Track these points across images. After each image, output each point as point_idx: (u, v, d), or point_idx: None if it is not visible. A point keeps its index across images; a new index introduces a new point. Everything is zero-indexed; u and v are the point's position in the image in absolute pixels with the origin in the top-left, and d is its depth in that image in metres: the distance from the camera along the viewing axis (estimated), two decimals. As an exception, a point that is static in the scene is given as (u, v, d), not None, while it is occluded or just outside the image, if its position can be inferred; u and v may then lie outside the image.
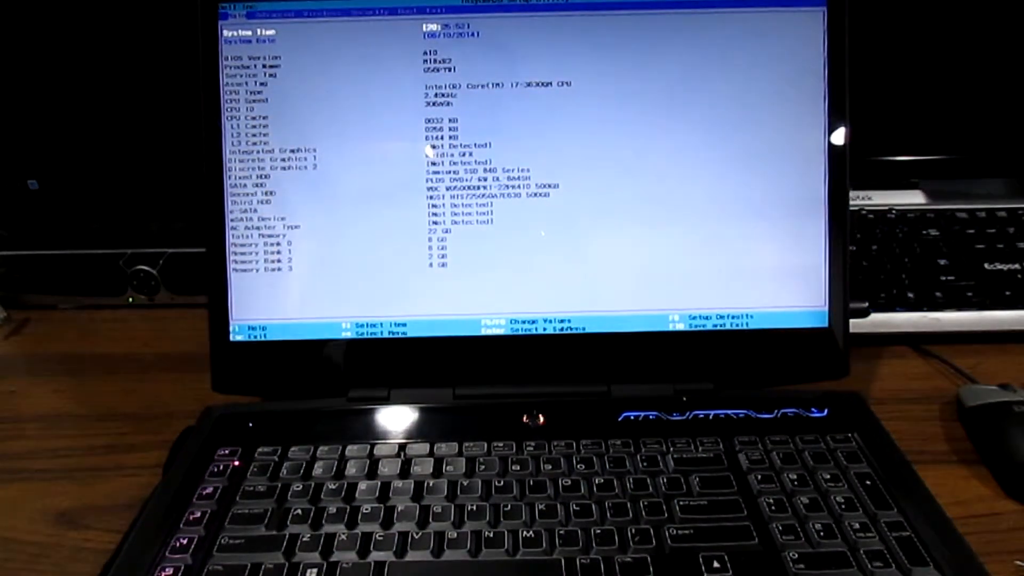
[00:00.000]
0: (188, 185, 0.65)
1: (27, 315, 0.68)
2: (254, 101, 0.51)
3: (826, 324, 0.51)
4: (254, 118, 0.51)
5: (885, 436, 0.47)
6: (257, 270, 0.51)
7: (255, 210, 0.51)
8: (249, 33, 0.51)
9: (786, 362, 0.51)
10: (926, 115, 0.66)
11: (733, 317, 0.51)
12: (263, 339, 0.51)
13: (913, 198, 0.66)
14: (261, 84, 0.51)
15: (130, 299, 0.67)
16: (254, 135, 0.51)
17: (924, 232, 0.63)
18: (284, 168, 0.51)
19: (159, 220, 0.67)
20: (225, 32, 0.51)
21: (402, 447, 0.47)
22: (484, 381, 0.51)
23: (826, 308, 0.51)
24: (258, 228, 0.51)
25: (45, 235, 0.68)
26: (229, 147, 0.51)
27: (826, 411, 0.48)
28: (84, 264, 0.67)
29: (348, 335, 0.51)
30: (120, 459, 0.51)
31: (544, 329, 0.51)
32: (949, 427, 0.52)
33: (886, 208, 0.65)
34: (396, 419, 0.49)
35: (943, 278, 0.61)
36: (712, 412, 0.49)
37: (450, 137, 0.51)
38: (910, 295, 0.60)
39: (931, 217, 0.64)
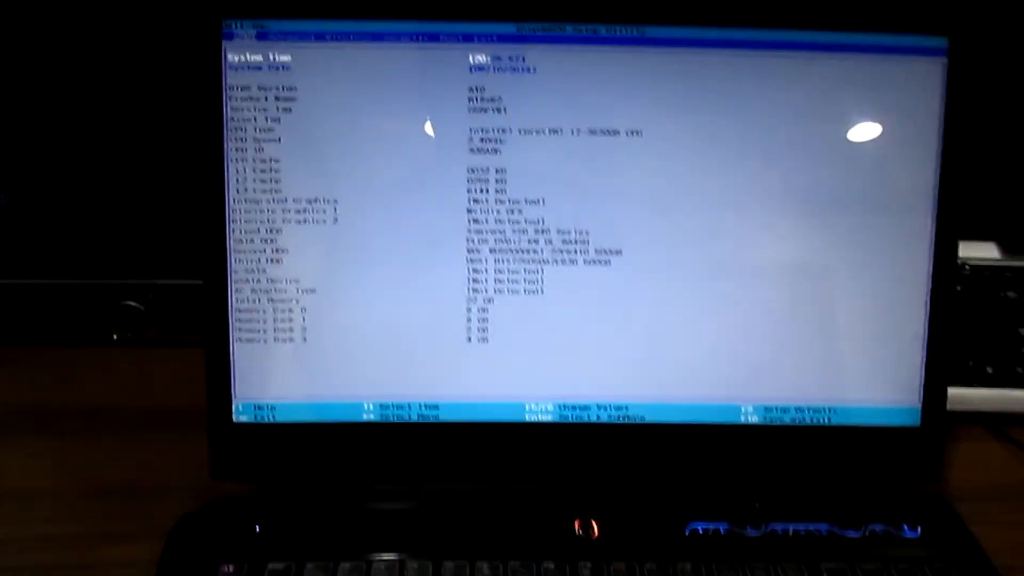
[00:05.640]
0: (182, 207, 0.57)
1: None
2: (264, 140, 0.43)
3: (918, 423, 0.45)
4: (264, 161, 0.43)
5: (987, 564, 0.41)
6: (265, 340, 0.44)
7: (263, 270, 0.43)
8: (259, 58, 0.42)
9: (871, 463, 0.45)
10: (1004, 153, 0.60)
11: (814, 411, 0.44)
12: (271, 421, 0.44)
13: (986, 251, 0.60)
14: (273, 120, 0.43)
15: (115, 336, 0.59)
16: (263, 181, 0.43)
17: (1002, 293, 0.57)
18: (299, 222, 0.43)
19: (148, 246, 0.59)
20: (230, 56, 0.42)
21: (436, 566, 0.40)
22: (528, 476, 0.45)
23: (919, 405, 0.45)
24: (267, 291, 0.43)
25: (14, 260, 0.59)
26: (233, 195, 0.43)
27: (919, 530, 0.43)
28: (61, 295, 0.59)
29: (371, 418, 0.44)
30: (107, 553, 0.44)
31: (598, 417, 0.44)
32: (1041, 533, 0.46)
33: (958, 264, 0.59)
34: (427, 525, 0.43)
35: (1025, 349, 0.55)
36: (791, 527, 0.43)
37: (496, 191, 0.43)
38: (988, 369, 0.54)
39: (1009, 276, 0.58)
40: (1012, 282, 0.58)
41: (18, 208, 0.57)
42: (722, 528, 0.42)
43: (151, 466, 0.50)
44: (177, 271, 0.59)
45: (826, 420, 0.45)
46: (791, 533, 0.42)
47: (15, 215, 0.57)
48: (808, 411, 0.45)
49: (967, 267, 0.58)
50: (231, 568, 0.40)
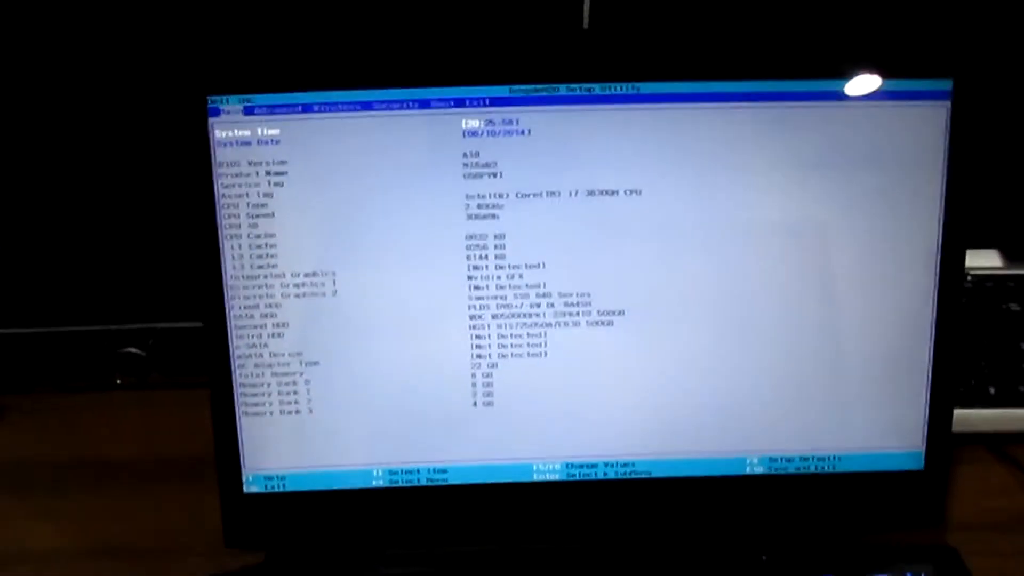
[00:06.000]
0: (176, 249, 0.56)
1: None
2: (258, 216, 0.42)
3: (921, 466, 0.45)
4: (258, 236, 0.42)
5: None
6: (271, 413, 0.44)
7: (265, 344, 0.43)
8: (248, 133, 0.42)
9: (875, 509, 0.45)
10: (1007, 153, 0.59)
11: (818, 460, 0.45)
12: (282, 490, 0.44)
13: (987, 260, 0.59)
14: (265, 195, 0.42)
15: (118, 381, 0.59)
16: (260, 256, 0.42)
17: (1004, 306, 0.57)
18: (297, 296, 0.43)
19: (145, 290, 0.58)
20: (217, 132, 0.41)
21: (452, 635, 0.41)
22: (537, 535, 0.45)
23: (922, 448, 0.45)
24: (270, 366, 0.43)
25: (11, 309, 0.59)
26: (230, 271, 0.42)
27: (923, 576, 0.44)
28: (61, 343, 0.58)
29: (380, 484, 0.45)
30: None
31: (605, 474, 0.45)
32: (1044, 564, 0.47)
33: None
34: (441, 589, 0.44)
35: (1028, 365, 0.55)
36: (797, 579, 0.43)
37: (496, 256, 0.43)
38: (991, 389, 0.54)
39: (1012, 287, 0.57)
40: (1015, 292, 0.57)
41: (11, 255, 0.57)
42: (730, 584, 0.43)
43: (164, 526, 0.50)
44: (176, 314, 0.58)
45: (831, 468, 0.45)
46: (797, 586, 0.43)
47: (10, 262, 0.57)
48: (813, 460, 0.45)
49: (969, 276, 0.58)
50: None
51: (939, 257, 0.43)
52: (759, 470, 0.45)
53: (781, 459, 0.45)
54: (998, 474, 0.53)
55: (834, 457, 0.45)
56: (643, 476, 0.45)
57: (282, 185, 0.42)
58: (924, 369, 0.44)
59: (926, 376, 0.44)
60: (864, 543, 0.46)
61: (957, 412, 0.51)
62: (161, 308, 0.58)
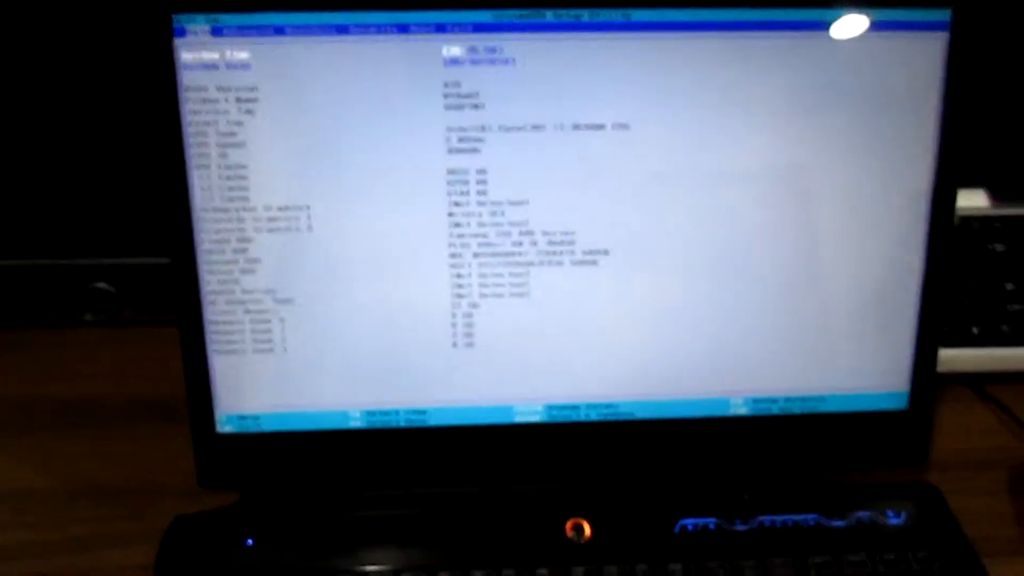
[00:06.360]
0: (146, 184, 0.54)
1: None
2: (227, 146, 0.40)
3: (906, 406, 0.45)
4: (228, 167, 0.40)
5: (968, 550, 0.42)
6: (244, 351, 0.42)
7: (236, 281, 0.42)
8: (216, 56, 0.39)
9: (859, 449, 0.45)
10: (995, 96, 0.57)
11: (803, 400, 0.44)
12: (257, 431, 0.43)
13: (974, 200, 0.58)
14: (235, 124, 0.40)
15: (87, 318, 0.57)
16: (230, 189, 0.40)
17: (989, 246, 0.56)
18: (270, 230, 0.41)
19: (115, 226, 0.56)
20: (183, 54, 0.39)
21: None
22: (518, 477, 0.45)
23: (908, 388, 0.44)
24: (242, 303, 0.42)
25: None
26: (199, 204, 0.41)
27: (903, 516, 0.43)
28: (30, 277, 0.56)
29: (358, 425, 0.43)
30: (98, 559, 0.44)
31: (587, 416, 0.44)
32: (1021, 502, 0.47)
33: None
34: (420, 531, 0.43)
35: (1011, 306, 0.54)
36: (780, 518, 0.43)
37: (478, 192, 0.41)
38: (974, 329, 0.54)
39: (998, 227, 0.57)
40: (1001, 233, 0.57)
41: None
42: (711, 524, 0.43)
43: (139, 464, 0.49)
44: (148, 249, 0.56)
45: (815, 408, 0.44)
46: (779, 526, 0.43)
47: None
48: (797, 400, 0.44)
49: (956, 216, 0.57)
50: (226, 587, 0.41)
51: (931, 197, 0.42)
52: (743, 411, 0.44)
53: (765, 400, 0.44)
54: (980, 413, 0.53)
55: (818, 398, 0.44)
56: (626, 418, 0.44)
57: (253, 113, 0.40)
58: (911, 310, 0.43)
59: (913, 317, 0.44)
60: (844, 483, 0.46)
61: (940, 352, 0.51)
62: (133, 243, 0.56)
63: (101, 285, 0.56)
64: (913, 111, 0.42)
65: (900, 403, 0.45)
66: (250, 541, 0.42)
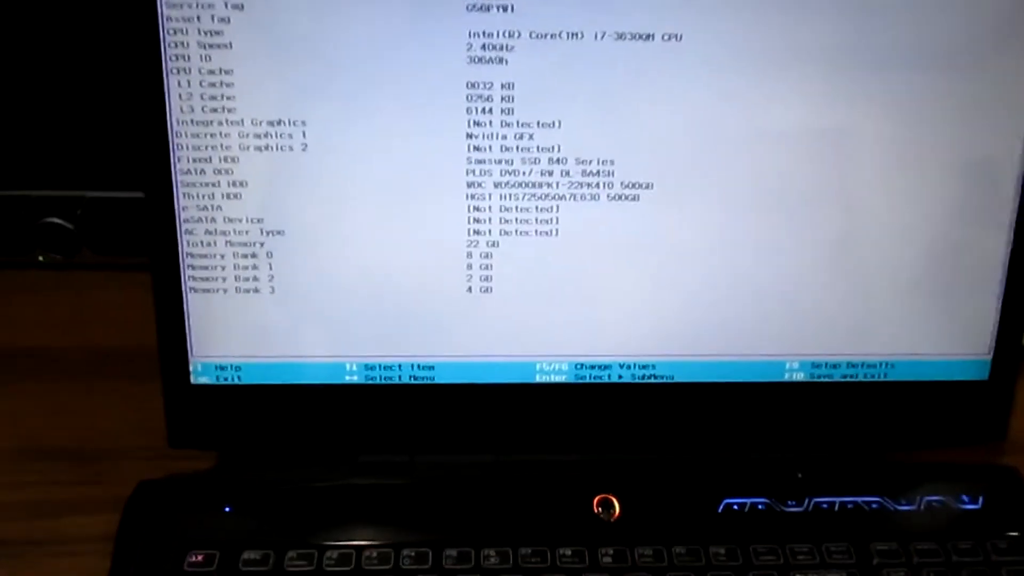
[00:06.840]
0: (112, 108, 0.48)
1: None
2: (211, 46, 0.34)
3: (986, 376, 0.39)
4: (212, 72, 0.34)
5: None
6: (225, 291, 0.37)
7: (219, 207, 0.36)
8: (198, -62, 0.33)
9: (929, 423, 0.40)
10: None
11: (868, 366, 0.39)
12: (236, 383, 0.38)
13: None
14: (221, 20, 0.34)
15: (40, 258, 0.51)
16: (213, 98, 0.35)
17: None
18: (259, 148, 0.35)
19: (74, 153, 0.50)
20: (160, -66, 0.33)
21: (436, 554, 0.35)
22: (539, 446, 0.39)
23: (990, 356, 0.39)
24: (224, 233, 0.36)
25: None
26: (177, 115, 0.35)
27: (980, 501, 0.38)
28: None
29: (354, 380, 0.38)
30: (55, 527, 0.39)
31: (620, 377, 0.38)
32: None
33: None
34: (423, 503, 0.37)
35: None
36: (838, 500, 0.38)
37: (502, 111, 0.35)
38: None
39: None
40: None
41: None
42: (760, 504, 0.37)
43: (98, 424, 0.44)
44: (110, 180, 0.50)
45: (882, 376, 0.39)
46: (837, 508, 0.38)
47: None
48: (862, 367, 0.39)
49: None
50: (201, 557, 0.35)
51: (1024, 146, 0.37)
52: (799, 377, 0.39)
53: (826, 364, 0.39)
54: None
55: (886, 363, 0.39)
56: (664, 380, 0.39)
57: (241, 8, 0.34)
58: (999, 268, 0.38)
59: (999, 276, 0.38)
60: (910, 462, 0.40)
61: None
62: (93, 173, 0.50)
63: (55, 220, 0.50)
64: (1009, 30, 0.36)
65: (980, 372, 0.39)
66: (228, 508, 0.37)
